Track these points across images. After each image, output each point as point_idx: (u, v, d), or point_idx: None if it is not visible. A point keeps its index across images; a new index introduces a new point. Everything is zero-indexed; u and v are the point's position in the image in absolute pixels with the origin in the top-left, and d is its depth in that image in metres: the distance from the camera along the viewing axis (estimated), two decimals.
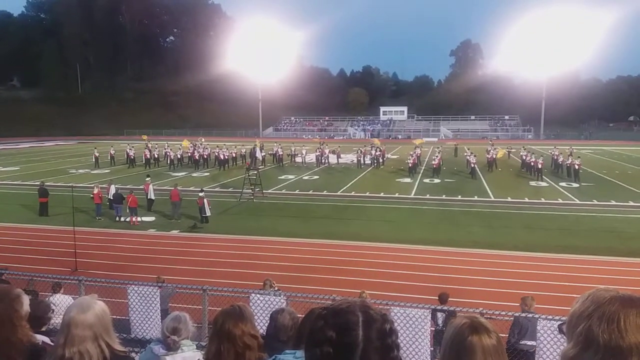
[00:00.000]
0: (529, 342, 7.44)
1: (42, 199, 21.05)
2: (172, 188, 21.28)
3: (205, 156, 38.93)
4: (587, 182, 29.17)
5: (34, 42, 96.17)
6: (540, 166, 31.00)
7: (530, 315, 7.05)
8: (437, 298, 8.93)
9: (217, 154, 37.82)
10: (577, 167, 30.13)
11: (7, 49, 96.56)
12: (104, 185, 22.32)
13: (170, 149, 39.30)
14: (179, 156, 38.59)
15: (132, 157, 38.35)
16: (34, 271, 10.22)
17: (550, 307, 9.87)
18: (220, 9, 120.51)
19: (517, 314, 7.03)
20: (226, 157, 37.52)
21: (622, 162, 41.51)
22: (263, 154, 39.32)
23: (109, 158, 39.34)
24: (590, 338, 1.20)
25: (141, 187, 22.83)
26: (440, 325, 7.97)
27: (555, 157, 34.92)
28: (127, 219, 19.68)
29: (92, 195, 21.08)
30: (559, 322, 5.80)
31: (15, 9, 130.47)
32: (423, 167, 35.78)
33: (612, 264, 13.95)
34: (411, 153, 35.23)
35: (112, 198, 20.79)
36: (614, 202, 23.08)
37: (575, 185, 28.21)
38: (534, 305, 8.00)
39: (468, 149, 36.56)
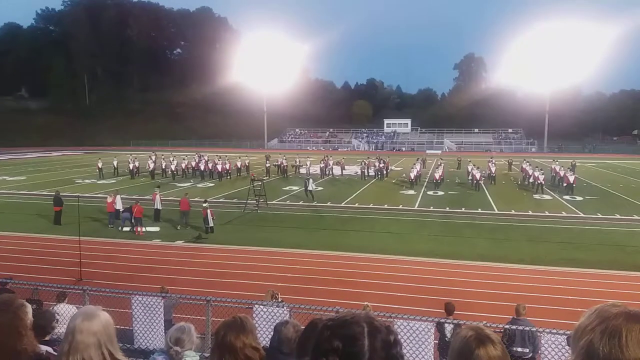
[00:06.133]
0: (520, 349, 7.47)
1: (56, 207, 21.18)
2: (181, 198, 21.48)
3: (210, 167, 39.14)
4: (591, 196, 29.06)
5: (42, 53, 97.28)
6: (542, 181, 30.90)
7: (520, 327, 7.12)
8: (441, 311, 8.90)
9: (215, 164, 38.16)
10: (571, 181, 30.10)
11: (16, 60, 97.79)
12: (123, 195, 22.50)
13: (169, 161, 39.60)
14: (182, 167, 38.93)
15: (134, 169, 38.34)
16: (39, 281, 10.25)
17: (555, 320, 9.80)
18: (227, 22, 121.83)
19: (506, 326, 7.06)
20: (227, 169, 37.93)
21: (626, 175, 41.31)
22: (274, 163, 39.45)
23: (113, 169, 39.55)
24: (590, 351, 1.20)
25: (146, 197, 22.95)
26: (448, 337, 7.94)
27: (553, 172, 34.85)
28: (130, 229, 19.76)
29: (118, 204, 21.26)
30: (566, 336, 5.80)
31: (25, 20, 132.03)
32: (426, 180, 35.78)
33: (617, 277, 13.87)
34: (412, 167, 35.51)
35: (119, 208, 20.92)
36: (618, 216, 22.96)
37: (579, 198, 28.09)
38: (525, 313, 8.14)
39: (470, 162, 36.58)
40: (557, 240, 18.46)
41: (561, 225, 21.14)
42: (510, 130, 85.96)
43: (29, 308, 2.55)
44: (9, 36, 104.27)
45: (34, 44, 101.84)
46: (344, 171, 40.87)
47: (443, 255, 16.04)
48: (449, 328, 7.81)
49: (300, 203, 26.75)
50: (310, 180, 27.93)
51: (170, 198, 25.60)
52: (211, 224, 19.50)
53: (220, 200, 27.16)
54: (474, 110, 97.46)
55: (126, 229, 19.91)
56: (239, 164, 40.58)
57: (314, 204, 26.39)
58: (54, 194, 22.45)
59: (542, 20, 73.38)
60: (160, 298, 7.67)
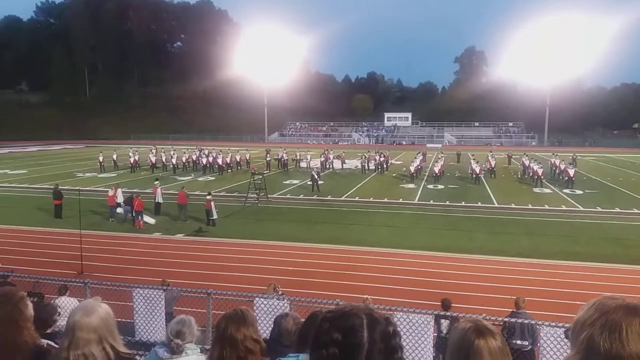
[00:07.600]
0: (519, 342, 7.53)
1: (56, 201, 21.20)
2: (179, 191, 21.49)
3: (210, 161, 39.21)
4: (591, 189, 29.07)
5: (42, 46, 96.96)
6: (541, 174, 30.88)
7: (519, 319, 7.17)
8: (440, 304, 8.93)
9: (214, 157, 38.20)
10: (571, 175, 30.10)
11: (16, 53, 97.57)
12: (123, 189, 22.56)
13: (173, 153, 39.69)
14: (183, 160, 39.06)
15: (135, 162, 38.43)
16: (40, 274, 10.29)
17: (554, 313, 9.85)
18: (227, 15, 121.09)
19: (505, 319, 7.10)
20: (228, 163, 37.98)
21: (627, 169, 41.29)
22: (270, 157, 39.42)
23: (112, 163, 39.54)
24: (591, 346, 1.19)
25: (147, 190, 22.98)
26: (444, 332, 7.98)
27: (554, 166, 34.84)
28: (131, 219, 19.85)
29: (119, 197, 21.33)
30: (564, 329, 5.83)
31: (25, 13, 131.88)
32: (427, 173, 35.79)
33: (616, 271, 13.91)
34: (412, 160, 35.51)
35: (120, 202, 20.98)
36: (617, 210, 22.98)
37: (578, 192, 28.10)
38: (524, 306, 8.18)
39: (472, 155, 36.57)
40: (556, 233, 18.49)
41: (561, 219, 21.15)
42: (510, 124, 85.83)
43: (29, 302, 2.55)
44: (9, 29, 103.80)
45: (34, 37, 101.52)
46: (344, 165, 40.88)
47: (443, 249, 16.07)
48: (445, 324, 7.84)
49: (301, 197, 26.78)
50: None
51: (171, 192, 25.60)
52: (215, 216, 19.58)
53: (221, 193, 27.17)
54: (475, 104, 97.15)
55: (125, 216, 19.96)
56: (238, 158, 40.63)
57: (314, 197, 26.40)
58: (53, 187, 22.50)
59: (543, 14, 73.13)
60: (161, 291, 7.70)
